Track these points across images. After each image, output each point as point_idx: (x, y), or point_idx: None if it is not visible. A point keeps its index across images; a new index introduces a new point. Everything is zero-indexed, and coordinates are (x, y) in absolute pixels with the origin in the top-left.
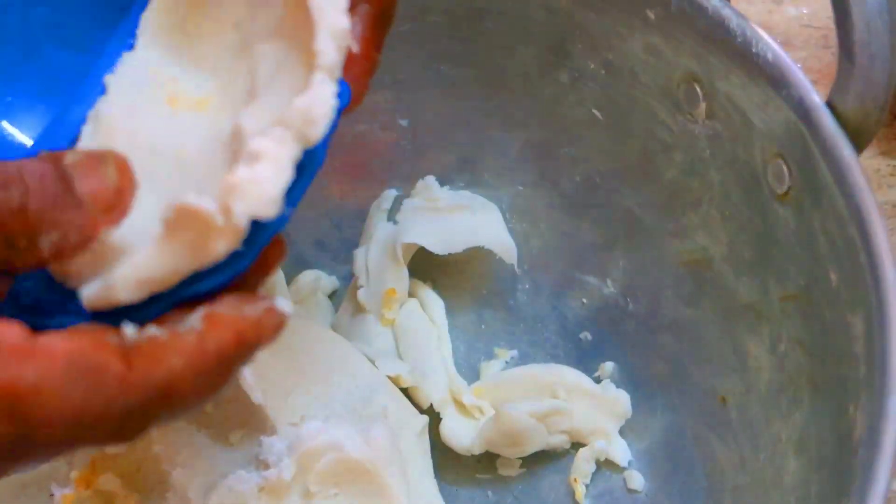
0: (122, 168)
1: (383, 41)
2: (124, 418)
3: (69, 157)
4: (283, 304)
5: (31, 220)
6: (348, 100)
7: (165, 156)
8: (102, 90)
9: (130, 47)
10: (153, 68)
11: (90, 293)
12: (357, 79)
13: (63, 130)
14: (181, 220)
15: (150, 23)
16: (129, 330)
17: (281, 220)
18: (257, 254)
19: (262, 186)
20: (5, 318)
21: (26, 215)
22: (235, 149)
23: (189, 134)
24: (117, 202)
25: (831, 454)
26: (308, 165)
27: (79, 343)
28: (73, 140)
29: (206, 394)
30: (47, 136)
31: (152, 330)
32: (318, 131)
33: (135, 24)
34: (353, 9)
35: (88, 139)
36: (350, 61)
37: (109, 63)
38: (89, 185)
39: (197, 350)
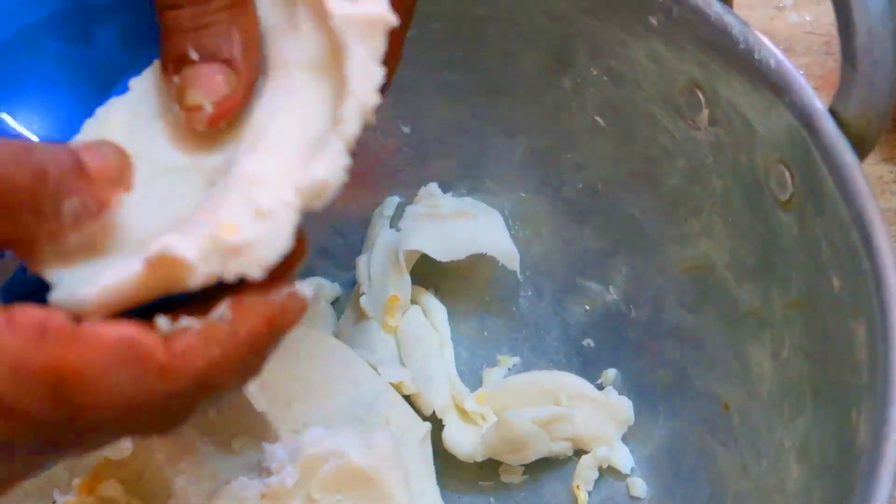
0: (119, 150)
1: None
2: (167, 406)
3: (72, 143)
4: (304, 287)
5: (51, 185)
6: None
7: (171, 168)
8: (124, 90)
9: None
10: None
11: (60, 297)
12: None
13: (69, 126)
14: (162, 262)
15: None
16: (162, 322)
17: None
18: None
19: (260, 251)
20: (49, 306)
21: (47, 180)
22: (227, 182)
23: (195, 155)
24: (121, 177)
25: (834, 461)
26: None
27: (124, 330)
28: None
29: (244, 378)
30: (55, 130)
31: (185, 321)
32: (322, 204)
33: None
34: None
35: (91, 133)
36: None
37: (139, 65)
38: (96, 162)
39: (231, 338)
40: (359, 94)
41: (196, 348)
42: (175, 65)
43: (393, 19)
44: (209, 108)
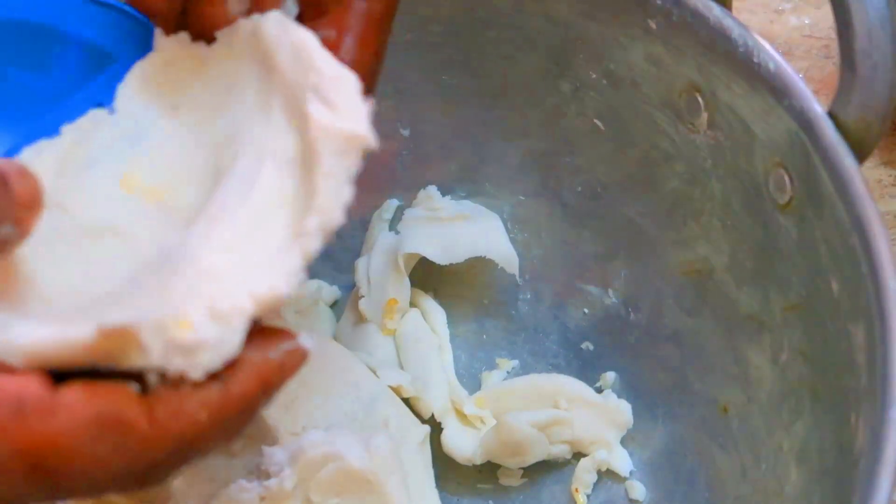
0: (35, 177)
1: (385, 42)
2: (149, 472)
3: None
4: (307, 340)
5: None
6: None
7: (97, 229)
8: (55, 132)
9: (99, 105)
10: (118, 141)
11: None
12: (364, 77)
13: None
14: (117, 336)
15: (131, 89)
16: (151, 378)
17: None
18: None
19: (208, 355)
20: (24, 372)
21: None
22: (177, 264)
23: (130, 219)
24: (35, 204)
25: (833, 464)
26: None
27: (102, 399)
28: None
29: (229, 438)
30: None
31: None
32: (273, 316)
33: (113, 83)
34: (348, 5)
35: None
36: (354, 62)
37: (74, 110)
38: (20, 186)
39: (221, 400)
40: (325, 212)
41: (181, 413)
42: None
43: (372, 142)
44: None
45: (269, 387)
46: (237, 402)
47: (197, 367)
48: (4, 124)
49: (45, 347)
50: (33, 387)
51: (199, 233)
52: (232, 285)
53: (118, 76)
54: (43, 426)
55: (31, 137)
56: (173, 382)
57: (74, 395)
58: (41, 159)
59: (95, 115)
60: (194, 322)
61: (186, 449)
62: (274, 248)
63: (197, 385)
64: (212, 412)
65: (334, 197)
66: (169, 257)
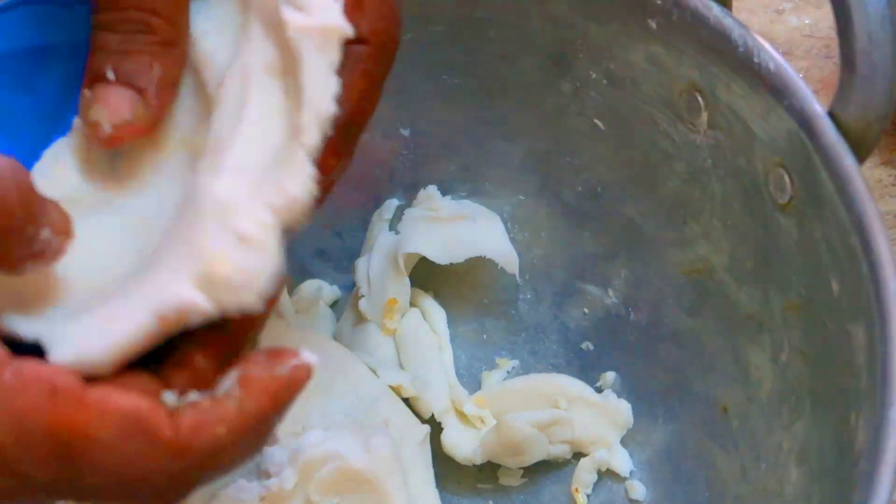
0: (61, 207)
1: (352, 148)
2: (168, 481)
3: None
4: (309, 356)
5: (37, 207)
6: None
7: (115, 209)
8: (66, 130)
9: None
10: None
11: (61, 355)
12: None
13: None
14: (175, 312)
15: None
16: (169, 397)
17: None
18: None
19: (251, 279)
20: (59, 366)
21: (34, 203)
22: (196, 208)
23: (153, 187)
24: (69, 229)
25: (833, 464)
26: None
27: (133, 401)
28: None
29: (247, 455)
30: None
31: (193, 396)
32: (301, 220)
33: None
34: None
35: (42, 176)
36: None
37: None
38: (54, 211)
39: (238, 417)
40: (317, 104)
41: (202, 426)
42: (91, 80)
43: (348, 29)
44: (107, 129)
45: (280, 403)
46: (253, 418)
47: (252, 297)
48: (25, 129)
49: (120, 347)
50: (68, 378)
51: (205, 167)
52: (248, 206)
53: None
54: (74, 412)
55: (49, 138)
56: (190, 403)
57: (105, 392)
58: (61, 161)
59: None
60: (227, 255)
61: (205, 463)
62: (277, 157)
63: (214, 402)
64: (230, 427)
65: (323, 88)
66: (187, 200)
